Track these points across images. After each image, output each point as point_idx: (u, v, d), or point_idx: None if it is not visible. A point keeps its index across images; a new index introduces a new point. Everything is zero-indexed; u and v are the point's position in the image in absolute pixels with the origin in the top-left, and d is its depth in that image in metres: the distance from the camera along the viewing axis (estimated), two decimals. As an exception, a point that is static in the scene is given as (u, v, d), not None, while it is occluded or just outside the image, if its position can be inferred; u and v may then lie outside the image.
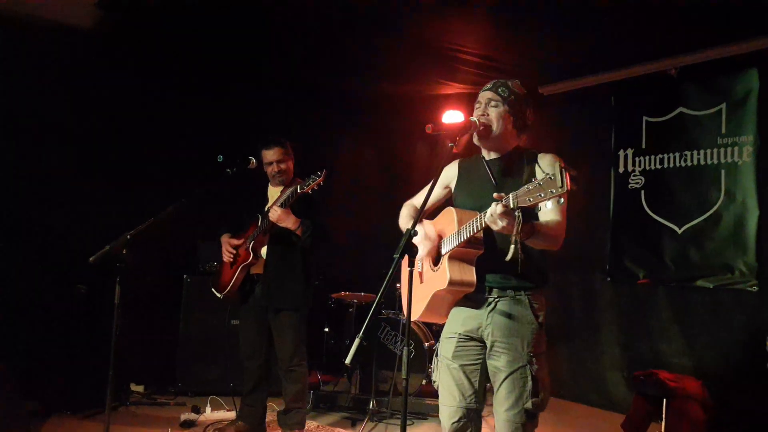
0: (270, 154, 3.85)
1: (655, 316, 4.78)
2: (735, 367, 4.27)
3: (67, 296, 4.48)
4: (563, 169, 1.83)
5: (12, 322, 4.21)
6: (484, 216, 2.10)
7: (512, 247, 2.05)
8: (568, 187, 1.82)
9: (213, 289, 3.95)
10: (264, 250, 3.81)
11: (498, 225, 2.05)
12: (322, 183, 3.50)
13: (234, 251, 3.85)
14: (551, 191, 1.85)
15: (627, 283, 4.98)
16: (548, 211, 2.28)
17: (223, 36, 4.75)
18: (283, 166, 3.86)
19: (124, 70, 4.91)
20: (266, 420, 4.00)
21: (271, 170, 3.87)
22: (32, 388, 4.04)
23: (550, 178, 1.85)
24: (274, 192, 3.91)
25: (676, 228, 4.71)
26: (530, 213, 2.24)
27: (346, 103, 6.11)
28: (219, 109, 5.36)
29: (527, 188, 1.92)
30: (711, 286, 4.47)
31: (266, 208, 3.78)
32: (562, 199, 1.87)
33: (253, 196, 3.99)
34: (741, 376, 4.19)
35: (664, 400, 3.77)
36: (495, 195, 2.02)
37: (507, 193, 2.00)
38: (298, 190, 3.53)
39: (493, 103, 2.43)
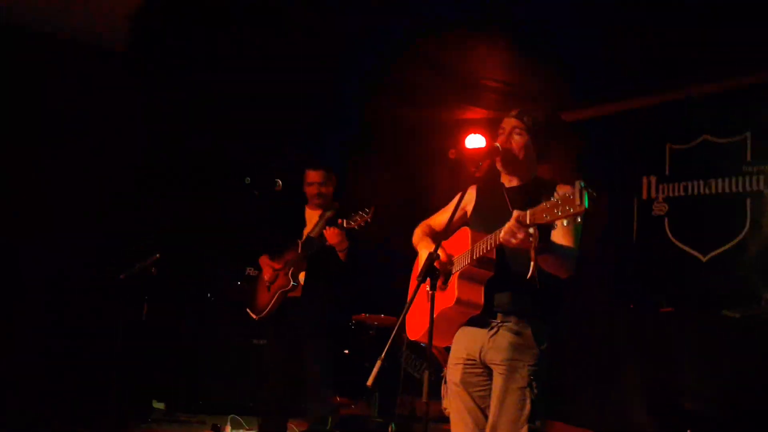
0: (314, 175, 3.93)
1: (679, 346, 4.70)
2: (762, 399, 4.18)
3: (92, 311, 4.54)
4: (583, 189, 1.78)
5: (31, 340, 4.28)
6: (500, 233, 2.09)
7: (531, 264, 2.04)
8: (587, 207, 1.77)
9: (248, 310, 4.00)
10: (302, 276, 3.86)
11: (513, 241, 2.04)
12: (369, 221, 3.53)
13: (275, 273, 3.90)
14: (569, 209, 1.81)
15: (650, 310, 4.92)
16: (561, 236, 2.26)
17: (244, 56, 4.83)
18: (323, 189, 3.93)
19: (153, 89, 5.00)
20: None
21: (311, 191, 3.94)
22: (50, 409, 4.08)
23: (569, 196, 1.82)
24: (311, 215, 3.97)
25: (701, 256, 4.66)
26: (548, 235, 2.23)
27: (367, 128, 6.17)
28: (244, 134, 5.44)
29: (545, 205, 1.90)
30: (738, 316, 4.39)
31: (306, 234, 3.85)
32: (579, 220, 1.83)
33: (288, 219, 4.04)
34: (766, 407, 4.10)
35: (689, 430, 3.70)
36: (514, 211, 2.01)
37: None
38: (345, 225, 3.57)
39: (517, 130, 2.44)
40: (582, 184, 1.80)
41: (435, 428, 4.56)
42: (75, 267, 4.57)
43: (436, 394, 4.66)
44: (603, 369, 5.15)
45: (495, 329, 2.35)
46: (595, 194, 1.80)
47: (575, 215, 1.81)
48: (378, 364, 2.01)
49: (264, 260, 4.00)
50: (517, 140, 2.43)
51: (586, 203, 1.77)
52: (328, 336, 3.90)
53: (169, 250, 3.26)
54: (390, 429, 4.40)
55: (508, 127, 2.47)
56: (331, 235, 3.64)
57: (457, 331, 2.49)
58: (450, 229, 2.63)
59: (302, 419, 4.04)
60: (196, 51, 4.74)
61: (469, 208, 2.63)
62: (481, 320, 2.37)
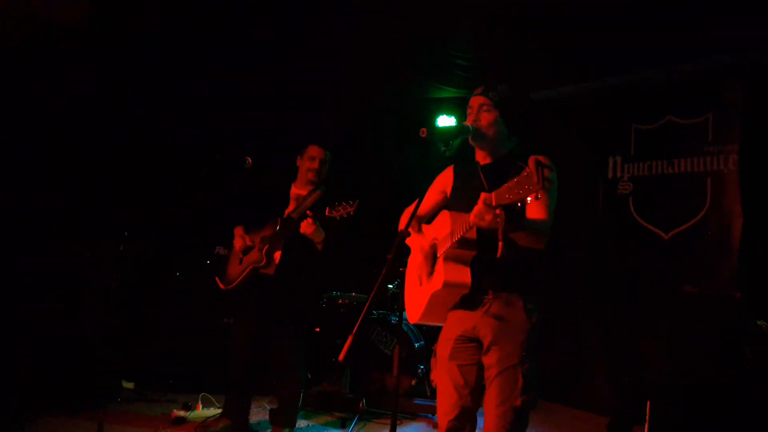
0: (317, 151, 3.88)
1: (641, 320, 4.86)
2: (716, 370, 4.35)
3: (55, 294, 4.46)
4: (539, 167, 1.87)
5: (5, 317, 4.22)
6: (470, 215, 2.15)
7: (500, 243, 2.11)
8: (542, 185, 1.86)
9: (217, 278, 3.96)
10: (277, 255, 3.81)
11: (481, 222, 2.10)
12: (351, 213, 3.46)
13: (250, 244, 3.85)
14: (528, 188, 1.90)
15: (613, 287, 5.05)
16: (533, 209, 2.33)
17: (211, 36, 4.75)
18: (323, 168, 3.89)
19: (112, 66, 4.88)
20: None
21: (309, 165, 3.87)
22: (20, 386, 4.03)
23: (527, 175, 1.90)
24: (296, 194, 3.92)
25: (663, 234, 4.80)
26: (519, 212, 2.29)
27: (338, 106, 6.15)
28: (215, 111, 5.36)
29: (507, 186, 1.97)
30: (697, 292, 4.55)
31: (287, 214, 3.81)
32: (539, 196, 1.91)
33: (271, 196, 3.99)
34: (722, 380, 4.27)
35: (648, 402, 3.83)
36: (482, 195, 2.07)
37: None
38: (326, 214, 3.49)
39: (485, 107, 2.48)
40: (538, 162, 1.87)
41: (406, 403, 4.65)
42: (44, 246, 4.48)
43: (407, 369, 4.76)
44: (566, 342, 5.29)
45: (487, 306, 2.40)
46: (552, 169, 1.86)
47: (534, 193, 1.89)
48: (349, 339, 2.04)
49: (238, 230, 3.94)
50: (486, 117, 2.47)
51: (542, 181, 1.85)
52: (300, 318, 3.88)
53: (138, 230, 3.20)
54: (361, 405, 4.47)
55: (475, 105, 2.50)
56: (306, 225, 3.54)
57: (449, 310, 2.54)
58: (433, 211, 2.67)
59: (272, 396, 4.05)
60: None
61: (448, 189, 2.66)
62: (472, 298, 2.42)
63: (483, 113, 2.48)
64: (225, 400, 4.03)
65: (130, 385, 4.88)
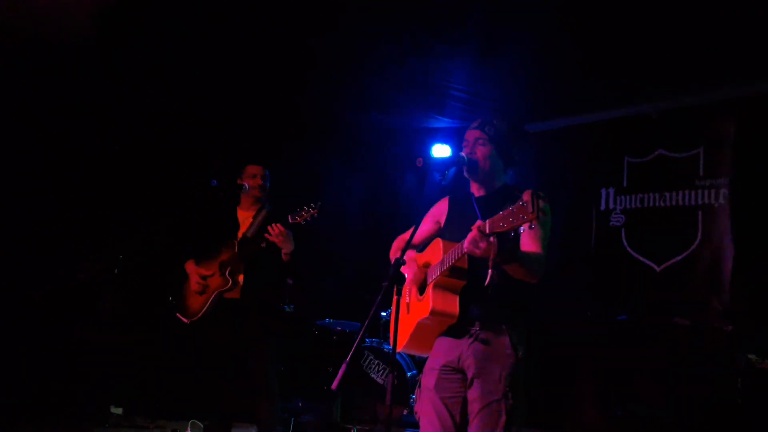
0: (258, 169, 3.89)
1: (633, 353, 4.85)
2: (708, 402, 4.34)
3: (40, 317, 4.41)
4: (534, 197, 1.90)
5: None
6: (464, 243, 2.16)
7: (489, 272, 2.11)
8: (537, 214, 1.88)
9: (179, 315, 3.85)
10: (240, 278, 3.76)
11: (476, 250, 2.11)
12: (315, 215, 3.49)
13: (203, 281, 3.79)
14: (522, 217, 1.92)
15: (605, 318, 5.06)
16: (527, 241, 2.35)
17: (214, 61, 4.80)
18: (262, 181, 3.88)
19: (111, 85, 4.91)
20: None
21: (254, 183, 3.86)
22: (8, 409, 3.98)
23: (522, 204, 1.93)
24: (244, 216, 3.89)
25: (654, 266, 4.83)
26: (513, 243, 2.31)
27: (334, 133, 6.21)
28: (205, 134, 5.37)
29: (502, 214, 1.99)
30: (688, 323, 4.56)
31: (241, 234, 3.78)
32: (533, 227, 1.93)
33: (220, 220, 3.94)
34: (714, 411, 4.26)
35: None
36: (477, 222, 2.08)
37: None
38: (290, 221, 3.51)
39: (480, 141, 2.51)
40: (534, 192, 1.91)
41: (397, 432, 4.60)
42: (31, 270, 4.45)
43: (398, 398, 4.73)
44: (558, 375, 5.26)
45: (473, 338, 2.39)
46: (546, 201, 1.90)
47: (529, 222, 1.91)
48: (343, 368, 2.04)
49: (190, 267, 3.87)
50: (482, 150, 2.50)
51: (537, 210, 1.89)
52: (273, 333, 3.82)
53: (133, 251, 3.21)
54: (352, 433, 4.43)
55: (471, 139, 2.54)
56: (276, 232, 3.52)
57: (435, 340, 2.53)
58: (426, 240, 2.69)
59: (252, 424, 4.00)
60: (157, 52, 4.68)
61: (442, 219, 2.68)
62: (459, 329, 2.41)
63: (479, 147, 2.51)
64: (204, 429, 3.99)
65: (118, 411, 4.83)
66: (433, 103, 5.37)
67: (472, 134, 2.54)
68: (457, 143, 5.73)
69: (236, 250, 3.74)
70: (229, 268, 3.73)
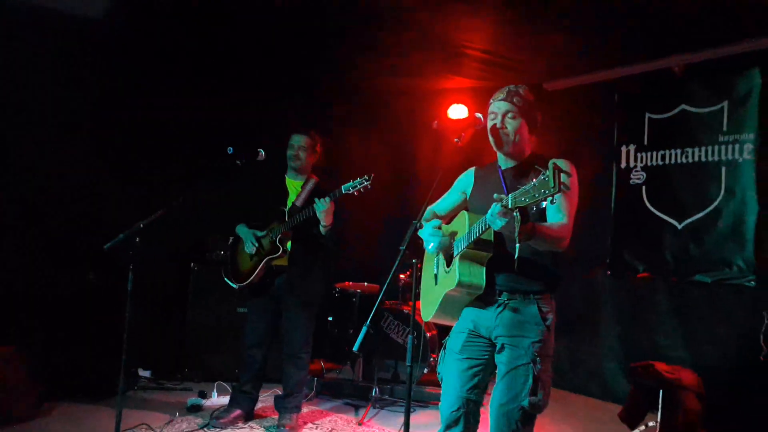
0: (297, 139, 3.96)
1: (654, 310, 4.86)
2: (730, 359, 4.35)
3: (79, 283, 4.56)
4: (556, 171, 1.88)
5: (25, 307, 4.30)
6: (487, 216, 2.16)
7: (516, 246, 2.11)
8: (558, 189, 1.87)
9: (227, 279, 4.03)
10: (288, 244, 3.89)
11: (497, 224, 2.10)
12: (369, 188, 3.48)
13: (256, 245, 3.92)
14: (544, 192, 1.91)
15: (627, 276, 5.05)
16: (554, 213, 2.34)
17: (230, 31, 4.79)
18: (302, 154, 3.94)
19: (135, 61, 4.96)
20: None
21: (290, 153, 3.96)
22: (44, 372, 4.11)
23: (544, 179, 1.91)
24: (292, 184, 4.00)
25: (676, 223, 4.78)
26: (539, 214, 2.30)
27: (351, 97, 6.16)
28: (227, 104, 5.37)
29: (524, 189, 1.98)
30: (709, 281, 4.54)
31: (291, 203, 3.90)
32: (554, 200, 1.92)
33: (270, 188, 4.05)
34: (736, 369, 4.27)
35: (661, 391, 3.84)
36: (495, 196, 2.06)
37: None
38: (342, 191, 3.52)
39: (510, 114, 2.46)
40: (552, 164, 1.89)
41: (417, 392, 4.69)
42: (60, 238, 4.54)
43: (418, 358, 4.80)
44: (581, 332, 5.30)
45: (501, 307, 2.42)
46: (569, 175, 1.88)
47: (551, 197, 1.90)
48: (363, 329, 2.07)
49: (243, 229, 4.01)
50: (513, 124, 2.46)
51: (558, 186, 1.87)
52: (313, 302, 3.96)
53: (153, 221, 3.24)
54: (373, 392, 4.51)
55: (500, 112, 2.48)
56: (328, 212, 3.60)
57: (462, 311, 2.56)
58: (454, 212, 2.69)
59: (280, 385, 4.12)
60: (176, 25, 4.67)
61: (468, 191, 2.68)
62: (487, 299, 2.44)
63: (508, 120, 2.46)
64: (233, 389, 4.13)
65: (146, 374, 4.96)
66: (450, 63, 5.28)
67: (500, 107, 2.48)
68: (475, 103, 5.65)
69: (286, 218, 3.82)
70: (279, 236, 3.81)
